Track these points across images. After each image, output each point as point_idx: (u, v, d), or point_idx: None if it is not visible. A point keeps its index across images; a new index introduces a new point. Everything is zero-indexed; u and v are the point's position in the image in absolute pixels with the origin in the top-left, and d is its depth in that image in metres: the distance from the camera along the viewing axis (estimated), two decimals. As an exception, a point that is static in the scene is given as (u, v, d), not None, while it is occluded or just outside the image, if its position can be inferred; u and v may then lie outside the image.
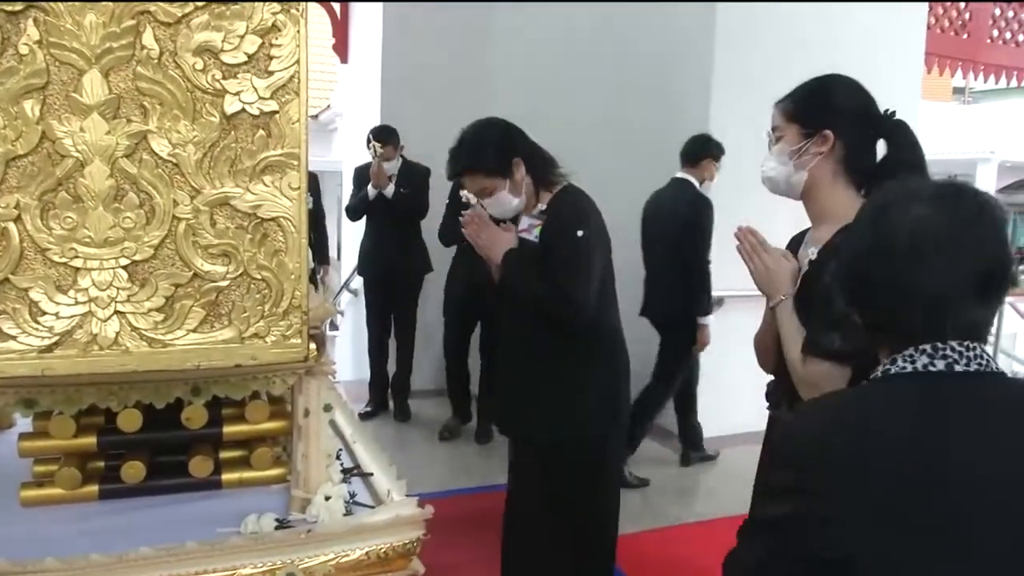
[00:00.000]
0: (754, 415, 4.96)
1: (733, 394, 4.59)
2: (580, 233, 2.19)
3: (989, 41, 6.32)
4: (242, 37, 1.15)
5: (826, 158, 1.51)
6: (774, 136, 1.60)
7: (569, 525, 2.33)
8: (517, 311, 2.36)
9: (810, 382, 1.51)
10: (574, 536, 2.35)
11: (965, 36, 6.19)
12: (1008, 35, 6.42)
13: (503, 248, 2.25)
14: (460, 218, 2.31)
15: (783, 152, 1.55)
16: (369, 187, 4.59)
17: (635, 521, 3.43)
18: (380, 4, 5.24)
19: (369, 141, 4.60)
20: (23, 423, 1.44)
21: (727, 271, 4.48)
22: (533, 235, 2.28)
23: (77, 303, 1.13)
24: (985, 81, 6.64)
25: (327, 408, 1.40)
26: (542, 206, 2.29)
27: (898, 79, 4.89)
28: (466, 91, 5.27)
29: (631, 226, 4.81)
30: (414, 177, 4.65)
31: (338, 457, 1.53)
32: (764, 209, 4.62)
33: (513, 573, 2.52)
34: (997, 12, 6.36)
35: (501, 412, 2.58)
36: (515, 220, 2.35)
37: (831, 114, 1.51)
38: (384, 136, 4.58)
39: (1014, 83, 6.80)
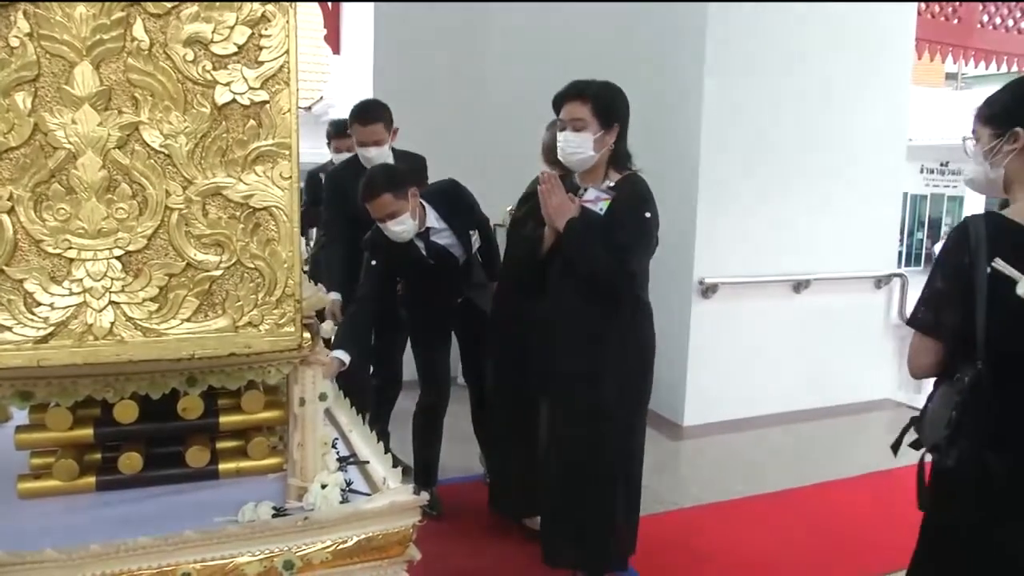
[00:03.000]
0: (742, 401, 5.01)
1: (723, 381, 4.63)
2: (648, 215, 2.45)
3: (979, 26, 6.33)
4: (232, 28, 1.16)
5: (1020, 153, 1.60)
6: (971, 141, 1.70)
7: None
8: (565, 283, 2.51)
9: (910, 353, 1.70)
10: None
11: (955, 21, 6.20)
12: (998, 20, 6.43)
13: (567, 216, 2.42)
14: (540, 175, 2.48)
15: (978, 154, 1.66)
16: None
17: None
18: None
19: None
20: (19, 416, 1.44)
21: (718, 258, 4.52)
22: (598, 207, 2.45)
23: (72, 293, 1.14)
24: (976, 66, 6.65)
25: (322, 397, 1.41)
26: (610, 183, 2.49)
27: (889, 65, 4.91)
28: (459, 83, 5.27)
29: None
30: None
31: (334, 446, 1.54)
32: (752, 207, 4.63)
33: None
34: (986, -2, 6.38)
35: (543, 376, 2.66)
36: (576, 191, 2.51)
37: (1019, 112, 1.59)
38: (371, 113, 3.52)
39: (1005, 68, 6.82)
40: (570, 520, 2.60)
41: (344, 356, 2.83)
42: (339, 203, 3.67)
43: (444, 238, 3.20)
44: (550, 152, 3.15)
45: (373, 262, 3.14)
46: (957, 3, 6.21)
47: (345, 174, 3.74)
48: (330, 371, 2.82)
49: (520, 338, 2.90)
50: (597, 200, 2.47)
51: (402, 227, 3.00)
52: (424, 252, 3.15)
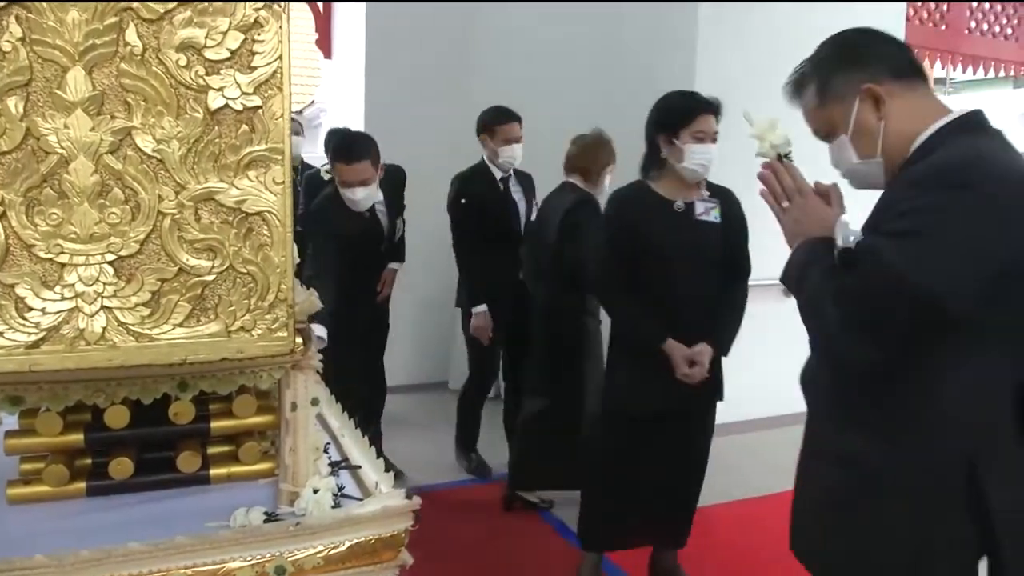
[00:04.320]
0: (736, 404, 5.02)
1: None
2: None
3: (967, 32, 6.40)
4: (225, 33, 1.16)
5: None
6: None
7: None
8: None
9: None
10: None
11: (943, 27, 6.26)
12: (985, 26, 6.50)
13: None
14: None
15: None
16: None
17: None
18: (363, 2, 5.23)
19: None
20: (9, 421, 1.43)
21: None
22: (712, 216, 2.65)
23: (63, 299, 1.13)
24: (963, 72, 6.72)
25: (314, 402, 1.41)
26: (706, 192, 2.69)
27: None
28: (450, 86, 5.27)
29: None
30: (396, 190, 3.71)
31: (326, 450, 1.54)
32: (745, 210, 4.65)
33: None
34: (974, 4, 6.45)
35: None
36: (669, 206, 2.66)
37: None
38: (357, 150, 3.33)
39: (993, 73, 6.88)
40: (690, 507, 2.86)
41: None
42: (325, 237, 3.44)
43: (520, 203, 3.84)
44: (579, 161, 3.50)
45: (463, 200, 3.69)
46: (945, 9, 6.27)
47: (327, 208, 3.53)
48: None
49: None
50: (708, 211, 2.65)
51: (511, 155, 3.70)
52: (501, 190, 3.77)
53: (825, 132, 1.46)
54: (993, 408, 1.27)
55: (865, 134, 1.39)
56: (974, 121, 1.33)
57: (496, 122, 3.70)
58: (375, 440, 3.89)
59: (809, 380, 1.52)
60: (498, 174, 3.76)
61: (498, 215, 3.76)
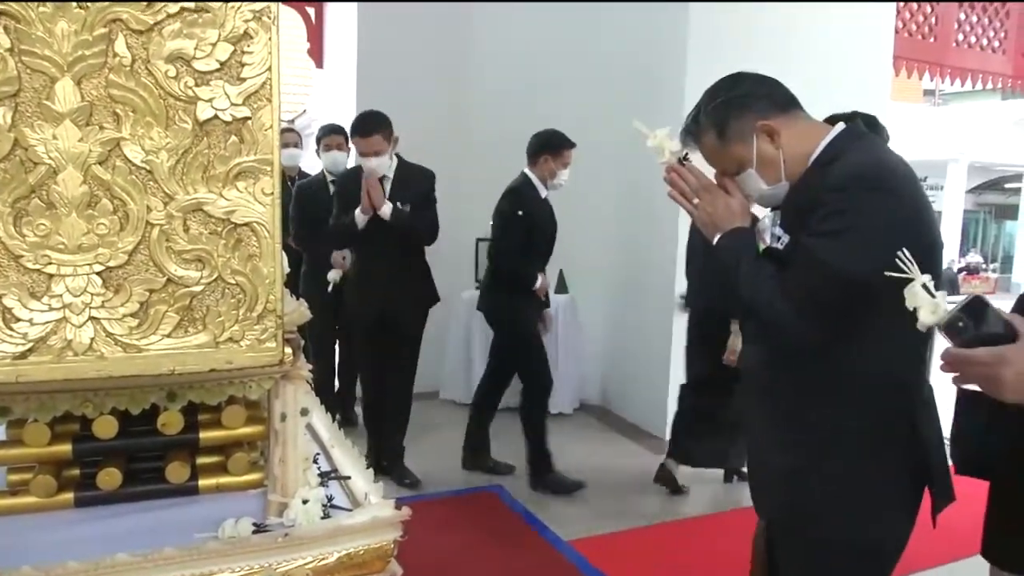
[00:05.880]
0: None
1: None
2: None
3: (955, 45, 6.46)
4: (214, 45, 1.16)
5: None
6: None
7: None
8: None
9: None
10: None
11: (932, 40, 6.33)
12: (973, 39, 6.57)
13: None
14: None
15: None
16: (357, 211, 3.67)
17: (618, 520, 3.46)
18: (355, 7, 5.24)
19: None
20: (-4, 432, 1.43)
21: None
22: None
23: (51, 309, 1.13)
24: (952, 83, 6.78)
25: (304, 412, 1.40)
26: None
27: (868, 81, 4.98)
28: (442, 95, 5.28)
29: (607, 222, 4.84)
30: (416, 185, 3.82)
31: (315, 461, 1.54)
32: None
33: None
34: (962, 16, 6.51)
35: None
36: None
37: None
38: (370, 125, 3.64)
39: (980, 85, 6.94)
40: None
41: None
42: (344, 209, 3.80)
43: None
44: None
45: (520, 212, 3.88)
46: (934, 22, 6.34)
47: (351, 176, 3.90)
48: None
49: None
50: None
51: (566, 178, 3.97)
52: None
53: (734, 170, 1.64)
54: (918, 361, 1.57)
55: (768, 164, 1.59)
56: (859, 129, 1.57)
57: (565, 146, 3.95)
58: (399, 452, 4.10)
59: (758, 367, 1.69)
60: (543, 192, 3.98)
61: (544, 228, 4.01)
